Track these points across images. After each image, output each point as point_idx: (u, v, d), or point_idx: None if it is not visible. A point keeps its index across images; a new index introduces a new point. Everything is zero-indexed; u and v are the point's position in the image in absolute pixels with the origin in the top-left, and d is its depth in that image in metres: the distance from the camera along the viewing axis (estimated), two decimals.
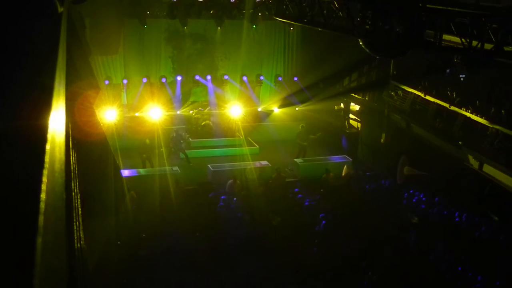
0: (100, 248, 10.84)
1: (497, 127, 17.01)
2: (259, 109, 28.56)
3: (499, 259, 15.08)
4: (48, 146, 1.67)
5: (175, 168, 21.59)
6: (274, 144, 25.92)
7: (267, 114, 28.64)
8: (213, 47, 27.44)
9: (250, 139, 25.97)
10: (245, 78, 28.07)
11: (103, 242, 11.56)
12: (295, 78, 28.74)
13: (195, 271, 14.52)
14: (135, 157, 22.54)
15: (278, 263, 15.21)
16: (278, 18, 22.35)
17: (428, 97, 20.44)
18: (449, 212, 18.00)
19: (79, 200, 5.42)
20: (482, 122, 17.58)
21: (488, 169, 17.34)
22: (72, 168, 4.98)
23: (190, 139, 24.74)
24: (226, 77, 27.76)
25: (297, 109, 28.78)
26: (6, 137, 1.81)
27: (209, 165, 22.10)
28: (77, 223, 4.67)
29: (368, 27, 14.37)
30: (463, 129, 18.56)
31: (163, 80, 26.73)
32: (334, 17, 16.04)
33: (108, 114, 24.28)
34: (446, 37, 14.43)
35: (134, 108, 26.37)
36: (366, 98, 25.29)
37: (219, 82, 27.83)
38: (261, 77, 28.44)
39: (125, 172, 20.17)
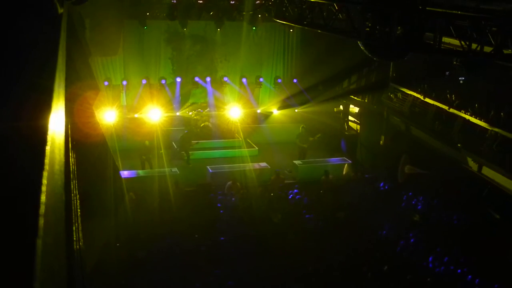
0: (99, 249, 10.85)
1: (496, 129, 17.02)
2: (258, 111, 28.56)
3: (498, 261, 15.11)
4: (48, 148, 1.67)
5: (174, 169, 21.59)
6: (273, 146, 25.92)
7: (267, 115, 28.63)
8: (213, 49, 27.44)
9: (249, 141, 25.99)
10: (244, 79, 28.08)
11: (102, 243, 11.57)
12: (295, 80, 28.76)
13: (194, 272, 14.50)
14: (134, 159, 22.53)
15: (277, 262, 15.21)
16: (278, 20, 22.35)
17: (427, 100, 20.46)
18: (447, 215, 18.01)
19: (78, 201, 5.42)
20: (481, 125, 17.59)
21: (487, 171, 17.34)
22: (71, 169, 4.98)
23: (193, 141, 24.73)
24: (225, 78, 27.76)
25: (296, 111, 28.78)
26: (6, 138, 1.81)
27: (208, 167, 22.10)
28: (76, 224, 4.67)
29: (367, 29, 14.38)
30: (462, 131, 18.57)
31: (163, 81, 26.73)
32: (334, 19, 16.04)
33: (107, 115, 24.26)
34: (445, 39, 14.46)
35: (134, 110, 26.36)
36: (366, 100, 25.31)
37: (218, 83, 27.83)
38: (261, 79, 28.45)
39: (125, 173, 20.17)
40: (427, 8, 13.40)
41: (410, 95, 21.52)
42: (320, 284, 14.47)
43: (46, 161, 1.60)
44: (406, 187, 20.66)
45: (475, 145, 17.85)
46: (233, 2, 24.25)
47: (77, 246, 4.39)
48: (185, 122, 25.90)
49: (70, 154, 5.16)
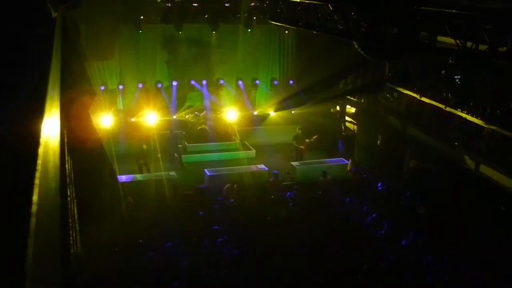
0: (97, 253, 10.84)
1: (493, 127, 17.06)
2: (255, 113, 28.56)
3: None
4: (40, 150, 1.67)
5: (172, 173, 21.56)
6: (270, 148, 25.97)
7: (263, 117, 28.64)
8: (208, 52, 27.42)
9: (246, 143, 25.99)
10: (240, 82, 28.08)
11: (100, 247, 11.57)
12: (291, 82, 28.76)
13: (194, 275, 14.48)
14: (132, 163, 22.52)
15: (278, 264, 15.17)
16: (273, 22, 22.40)
17: (423, 99, 20.49)
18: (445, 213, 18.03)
19: (75, 205, 5.42)
20: (478, 123, 17.62)
21: (484, 169, 17.38)
22: (67, 173, 4.97)
23: (186, 144, 24.74)
24: (221, 81, 27.76)
25: (293, 112, 28.80)
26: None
27: (206, 170, 22.09)
28: (74, 228, 4.67)
29: (363, 29, 14.42)
30: (459, 130, 18.60)
31: (159, 85, 26.72)
32: (329, 20, 16.07)
33: (104, 120, 24.27)
34: (440, 38, 14.50)
35: (130, 114, 26.34)
36: (362, 101, 25.33)
37: (214, 86, 27.83)
38: (257, 81, 28.44)
39: (122, 178, 20.14)
40: (422, 8, 13.45)
41: (406, 94, 21.55)
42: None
43: (39, 162, 1.60)
44: (405, 186, 20.66)
45: (472, 143, 17.88)
46: (228, 5, 24.29)
47: (74, 250, 4.39)
48: (182, 125, 25.88)
49: (67, 159, 5.16)
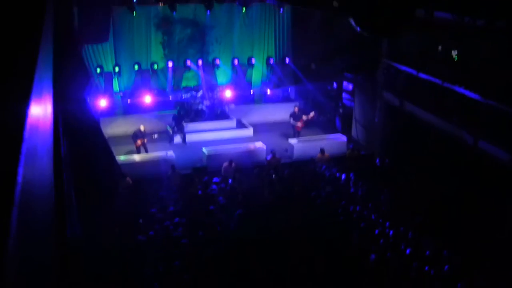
0: (99, 234, 10.88)
1: (491, 102, 17.01)
2: (252, 91, 28.55)
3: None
4: (26, 134, 1.65)
5: (170, 153, 21.60)
6: (268, 126, 26.01)
7: (260, 96, 28.65)
8: (203, 32, 27.34)
9: (243, 122, 26.00)
10: (236, 61, 28.02)
11: (101, 229, 11.60)
12: (287, 60, 28.70)
13: (194, 254, 14.53)
14: (129, 144, 22.54)
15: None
16: (268, 0, 22.28)
17: (420, 75, 20.41)
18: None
19: (72, 186, 5.43)
20: (476, 98, 17.58)
21: (483, 144, 17.36)
22: (63, 155, 4.97)
23: (184, 123, 24.74)
24: (217, 60, 27.69)
25: (289, 90, 28.81)
26: None
27: (203, 149, 22.11)
28: (71, 209, 4.67)
29: (359, 5, 14.31)
30: (457, 105, 18.55)
31: (155, 66, 26.63)
32: None
33: (100, 102, 24.28)
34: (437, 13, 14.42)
35: (127, 95, 26.34)
36: (359, 77, 25.24)
37: (210, 66, 27.78)
38: (253, 60, 28.34)
39: (120, 159, 20.19)
40: None
41: (404, 70, 21.48)
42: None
43: (24, 145, 1.58)
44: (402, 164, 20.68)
45: (471, 118, 17.85)
46: None
47: (72, 231, 4.39)
48: (179, 105, 25.84)
49: (62, 141, 5.15)
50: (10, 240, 1.55)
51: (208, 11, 25.99)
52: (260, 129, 25.58)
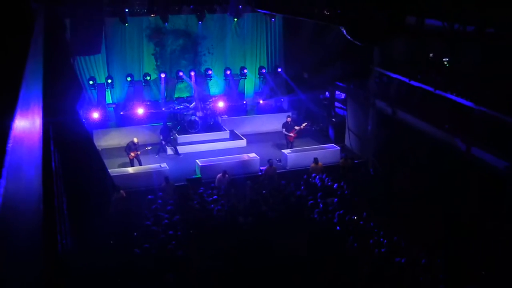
0: (91, 248, 10.79)
1: (484, 109, 17.03)
2: (244, 102, 28.55)
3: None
4: (9, 147, 1.62)
5: (164, 165, 21.53)
6: (261, 136, 26.00)
7: (253, 106, 28.66)
8: (196, 42, 27.39)
9: (236, 132, 25.97)
10: (229, 71, 28.03)
11: (94, 242, 11.51)
12: (279, 69, 28.74)
13: (189, 266, 14.46)
14: (123, 156, 22.47)
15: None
16: (259, 10, 22.31)
17: (412, 83, 20.44)
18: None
19: (63, 200, 5.38)
20: (469, 105, 17.60)
21: (476, 151, 17.38)
22: (54, 168, 4.93)
23: (177, 135, 24.69)
24: (210, 71, 27.70)
25: (282, 100, 28.83)
26: None
27: (197, 160, 22.05)
28: (61, 224, 4.62)
29: (350, 14, 14.38)
30: (449, 112, 18.58)
31: (147, 77, 26.61)
32: (315, 6, 16.01)
33: (93, 114, 24.24)
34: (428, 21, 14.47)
35: (120, 107, 26.31)
36: (351, 86, 25.28)
37: (203, 76, 27.80)
38: (245, 70, 28.36)
39: (114, 171, 20.09)
40: None
41: (396, 78, 21.52)
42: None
43: (6, 158, 1.55)
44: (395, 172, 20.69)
45: (463, 126, 17.87)
46: None
47: (64, 245, 4.34)
48: (171, 117, 25.82)
49: (53, 154, 5.11)
50: None
51: (200, 22, 26.08)
52: (253, 139, 25.55)
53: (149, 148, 22.78)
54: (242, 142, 25.22)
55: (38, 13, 5.67)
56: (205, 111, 26.03)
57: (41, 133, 3.52)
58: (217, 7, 25.57)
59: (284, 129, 24.46)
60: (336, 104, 27.05)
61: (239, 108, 27.99)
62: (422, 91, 19.89)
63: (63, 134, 7.67)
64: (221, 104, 26.63)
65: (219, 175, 20.23)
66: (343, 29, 15.00)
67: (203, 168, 21.57)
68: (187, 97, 27.35)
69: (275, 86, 28.54)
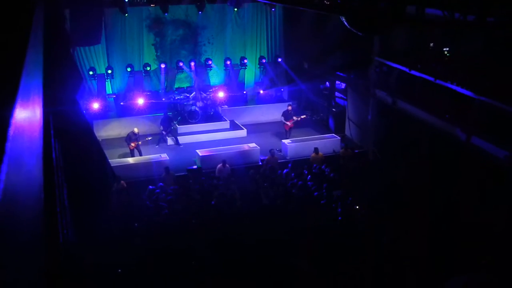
0: (94, 238, 10.82)
1: (484, 98, 17.04)
2: (245, 92, 28.52)
3: None
4: (10, 134, 1.63)
5: (164, 155, 21.55)
6: (261, 127, 26.01)
7: (253, 96, 28.63)
8: (196, 33, 27.33)
9: (237, 122, 25.97)
10: (229, 61, 27.97)
11: (96, 232, 11.54)
12: (279, 59, 28.69)
13: (191, 257, 14.48)
14: (123, 146, 22.49)
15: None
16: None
17: (413, 72, 20.43)
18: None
19: (64, 190, 5.39)
20: (469, 94, 17.60)
21: (476, 140, 17.39)
22: (55, 158, 4.94)
23: (177, 125, 24.70)
24: (210, 61, 27.65)
25: (282, 90, 28.82)
26: None
27: (197, 151, 22.06)
28: (62, 214, 4.64)
29: (350, 4, 14.32)
30: (449, 102, 18.58)
31: (147, 67, 26.57)
32: None
33: (93, 104, 24.24)
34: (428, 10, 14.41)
35: (120, 97, 26.29)
36: (351, 76, 25.26)
37: (203, 67, 27.76)
38: (245, 60, 28.31)
39: (114, 162, 20.10)
40: None
41: (396, 68, 21.49)
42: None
43: (7, 148, 1.56)
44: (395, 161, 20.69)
45: (464, 115, 17.87)
46: None
47: (64, 237, 4.36)
48: (171, 107, 25.82)
49: (53, 143, 5.12)
50: None
51: (200, 11, 26.01)
52: (253, 130, 25.56)
53: (149, 138, 22.79)
54: (242, 132, 25.23)
55: (38, 3, 5.67)
56: (205, 101, 26.00)
57: (42, 123, 3.54)
58: None
59: (283, 118, 24.48)
60: (336, 94, 27.03)
61: (239, 98, 27.95)
62: (422, 80, 19.88)
63: (63, 124, 7.68)
64: (221, 94, 26.62)
65: (219, 165, 20.26)
66: (343, 19, 14.94)
67: (203, 158, 21.58)
68: (187, 87, 27.32)
69: (275, 76, 28.49)
